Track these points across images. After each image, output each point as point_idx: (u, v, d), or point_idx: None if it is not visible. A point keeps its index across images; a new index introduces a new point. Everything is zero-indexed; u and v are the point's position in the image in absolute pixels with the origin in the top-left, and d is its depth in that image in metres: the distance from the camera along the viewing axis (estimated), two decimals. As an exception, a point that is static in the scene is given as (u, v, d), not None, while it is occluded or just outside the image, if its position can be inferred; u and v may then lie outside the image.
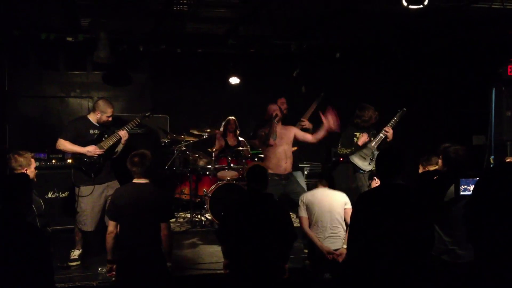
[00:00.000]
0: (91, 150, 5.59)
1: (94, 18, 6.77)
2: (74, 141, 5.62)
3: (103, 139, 5.74)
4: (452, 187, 4.07)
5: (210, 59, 8.37)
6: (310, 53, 8.37)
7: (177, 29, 7.31)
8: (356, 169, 6.50)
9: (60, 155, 6.78)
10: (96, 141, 5.70)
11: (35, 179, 4.99)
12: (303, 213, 5.20)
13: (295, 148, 6.73)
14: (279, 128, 6.13)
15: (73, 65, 8.21)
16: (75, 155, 5.67)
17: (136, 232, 4.31)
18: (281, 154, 6.11)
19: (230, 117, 7.92)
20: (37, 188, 4.90)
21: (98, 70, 8.19)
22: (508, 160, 5.34)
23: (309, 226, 5.17)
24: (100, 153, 5.64)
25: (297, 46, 8.19)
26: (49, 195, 6.68)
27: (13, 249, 3.18)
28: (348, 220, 4.92)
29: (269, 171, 5.64)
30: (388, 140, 6.44)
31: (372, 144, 6.39)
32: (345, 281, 4.58)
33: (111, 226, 4.41)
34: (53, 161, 6.81)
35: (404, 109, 6.50)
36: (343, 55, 8.52)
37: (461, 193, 4.03)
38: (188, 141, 7.68)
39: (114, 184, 5.77)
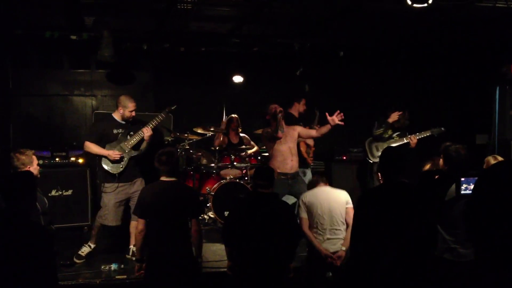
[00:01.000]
0: (111, 154, 5.68)
1: (98, 17, 6.78)
2: (99, 142, 5.73)
3: (128, 137, 5.81)
4: (454, 186, 4.06)
5: (214, 57, 8.36)
6: (313, 52, 8.36)
7: (181, 28, 7.31)
8: (365, 155, 6.64)
9: (63, 153, 6.80)
10: (120, 141, 5.78)
11: (39, 175, 5.00)
12: (303, 213, 5.15)
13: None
14: (285, 127, 6.17)
15: (77, 63, 8.22)
16: (100, 157, 5.75)
17: (166, 229, 4.34)
18: (286, 152, 6.16)
19: (233, 115, 7.93)
20: (40, 186, 4.90)
21: (102, 68, 8.20)
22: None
23: (309, 227, 5.13)
24: (119, 155, 5.70)
25: (300, 45, 8.19)
26: (53, 193, 6.70)
27: (17, 247, 3.19)
28: (349, 219, 4.92)
29: (277, 170, 5.68)
30: (410, 147, 6.69)
31: (393, 144, 6.56)
32: (347, 281, 4.58)
33: (141, 224, 4.43)
34: (57, 159, 6.83)
35: (443, 129, 6.67)
36: (346, 54, 8.51)
37: (462, 192, 4.03)
38: (192, 139, 7.69)
39: (139, 181, 5.86)
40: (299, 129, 6.33)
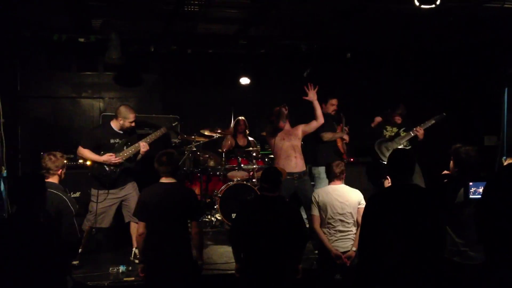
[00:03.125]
0: (107, 159, 5.58)
1: (106, 19, 6.80)
2: (94, 149, 5.63)
3: (124, 148, 5.73)
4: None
5: (221, 59, 8.37)
6: (320, 54, 8.35)
7: (188, 30, 7.32)
8: (376, 157, 6.70)
9: (71, 155, 6.81)
10: (116, 151, 5.68)
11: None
12: (315, 211, 5.13)
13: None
14: (286, 127, 6.19)
15: (84, 66, 8.24)
16: (94, 163, 5.66)
17: (166, 231, 4.32)
18: (289, 149, 6.15)
19: (240, 117, 7.93)
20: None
21: (110, 70, 8.22)
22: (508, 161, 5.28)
23: (320, 225, 5.12)
24: (117, 161, 5.61)
25: (307, 47, 8.19)
26: (61, 195, 6.70)
27: (28, 249, 3.21)
28: (360, 219, 4.89)
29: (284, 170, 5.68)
30: (418, 140, 6.71)
31: (401, 140, 6.55)
32: (356, 283, 4.56)
33: (141, 227, 4.40)
34: (65, 161, 6.83)
35: (444, 114, 6.62)
36: (354, 56, 8.49)
37: (471, 196, 4.02)
38: (199, 141, 7.69)
39: (130, 184, 5.82)
40: (301, 127, 6.34)
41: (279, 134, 6.23)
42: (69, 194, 4.56)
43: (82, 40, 7.49)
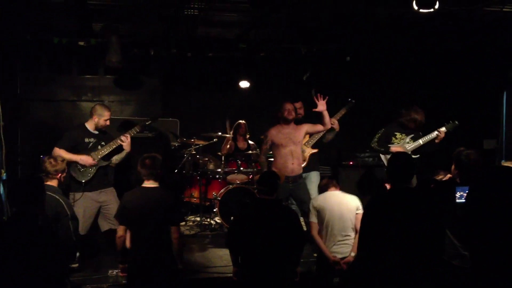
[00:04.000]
0: (84, 159, 5.66)
1: (106, 23, 6.82)
2: (70, 150, 5.68)
3: (99, 147, 5.80)
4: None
5: (221, 63, 8.39)
6: (320, 57, 8.36)
7: (188, 33, 7.33)
8: (383, 164, 6.61)
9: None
10: (91, 150, 5.75)
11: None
12: (313, 218, 5.13)
13: (315, 150, 6.80)
14: (289, 128, 6.10)
15: (85, 69, 8.26)
16: (70, 163, 5.64)
17: (146, 235, 4.34)
18: (287, 155, 6.02)
19: (241, 121, 7.93)
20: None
21: (110, 74, 8.23)
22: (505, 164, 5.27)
23: (318, 231, 5.11)
24: (93, 163, 5.69)
25: (307, 50, 8.20)
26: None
27: (27, 252, 3.21)
28: (358, 225, 4.89)
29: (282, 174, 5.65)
30: (434, 146, 6.47)
31: (408, 147, 6.41)
32: (354, 286, 4.57)
33: (121, 230, 4.45)
34: (65, 166, 6.84)
35: (457, 122, 6.48)
36: (353, 59, 8.51)
37: (457, 200, 4.04)
38: (198, 144, 7.70)
39: (109, 191, 5.84)
40: (306, 127, 6.17)
41: (280, 136, 6.12)
42: (66, 198, 4.58)
43: (82, 43, 7.51)
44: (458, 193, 4.05)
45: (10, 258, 3.20)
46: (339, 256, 4.95)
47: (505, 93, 7.48)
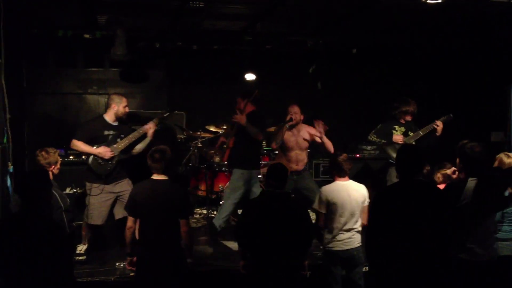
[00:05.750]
0: (101, 151, 5.59)
1: (111, 15, 6.80)
2: (88, 142, 5.63)
3: (118, 140, 5.74)
4: (469, 185, 4.03)
5: (227, 55, 8.37)
6: (326, 50, 8.33)
7: (194, 26, 7.32)
8: (388, 157, 6.59)
9: (77, 151, 6.83)
10: (110, 143, 5.69)
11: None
12: (322, 209, 5.07)
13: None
14: (293, 134, 6.24)
15: (90, 62, 8.26)
16: (89, 155, 5.66)
17: (155, 228, 4.35)
18: (292, 158, 6.28)
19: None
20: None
21: (115, 67, 8.23)
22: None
23: (328, 222, 5.05)
24: (111, 155, 5.63)
25: (313, 43, 8.16)
26: (67, 190, 6.72)
27: (33, 244, 3.22)
28: (365, 217, 4.87)
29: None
30: (435, 137, 6.48)
31: (410, 140, 6.44)
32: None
33: (130, 221, 4.47)
34: (71, 157, 6.86)
35: (451, 115, 6.51)
36: (359, 52, 8.47)
37: None
38: (204, 137, 7.70)
39: (125, 181, 5.81)
40: (313, 132, 6.30)
41: (292, 140, 6.28)
42: (61, 191, 4.59)
43: (88, 36, 7.50)
44: None
45: (19, 250, 3.22)
46: (348, 247, 4.91)
47: (512, 85, 7.43)
